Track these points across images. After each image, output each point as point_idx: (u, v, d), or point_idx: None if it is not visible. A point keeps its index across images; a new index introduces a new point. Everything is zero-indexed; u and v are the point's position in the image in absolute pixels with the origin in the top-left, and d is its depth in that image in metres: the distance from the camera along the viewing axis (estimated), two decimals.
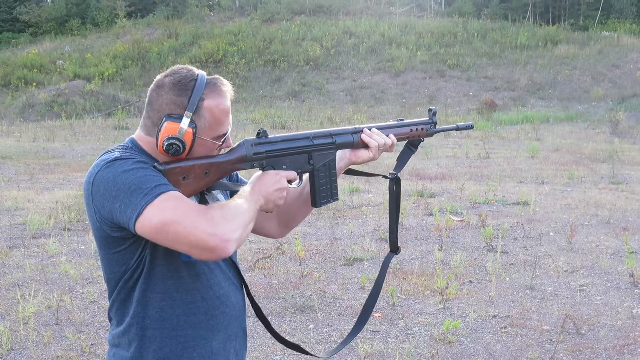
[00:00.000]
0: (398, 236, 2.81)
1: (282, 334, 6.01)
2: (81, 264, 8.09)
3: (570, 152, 18.13)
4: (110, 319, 2.36)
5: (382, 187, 12.58)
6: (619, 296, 6.97)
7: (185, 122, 2.14)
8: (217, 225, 2.04)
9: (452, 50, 38.40)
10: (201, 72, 2.23)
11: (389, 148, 2.66)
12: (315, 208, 2.61)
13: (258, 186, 2.30)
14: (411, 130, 2.76)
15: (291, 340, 5.87)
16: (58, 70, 36.74)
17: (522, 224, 9.75)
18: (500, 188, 12.62)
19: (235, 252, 2.52)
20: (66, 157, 17.76)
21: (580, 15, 54.99)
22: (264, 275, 7.71)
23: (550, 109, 29.86)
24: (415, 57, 37.47)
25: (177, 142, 2.14)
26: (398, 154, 2.84)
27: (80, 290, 7.24)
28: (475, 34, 40.86)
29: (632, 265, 7.28)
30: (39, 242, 9.11)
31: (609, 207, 10.97)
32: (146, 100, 2.26)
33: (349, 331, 6.06)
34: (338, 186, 2.59)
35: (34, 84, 33.74)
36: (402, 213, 9.87)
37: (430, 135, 2.83)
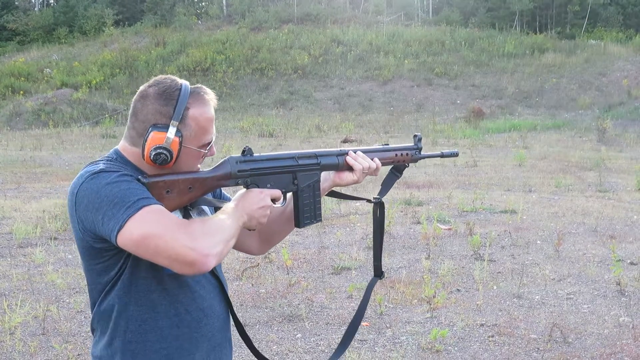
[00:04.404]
0: (384, 248, 2.81)
1: (269, 343, 6.02)
2: (68, 274, 8.05)
3: (557, 160, 18.20)
4: (93, 331, 2.35)
5: (369, 197, 12.57)
6: (605, 304, 6.99)
7: (171, 132, 2.15)
8: (198, 239, 2.04)
9: (439, 59, 38.55)
10: (185, 82, 2.25)
11: (373, 172, 2.67)
12: (297, 228, 2.62)
13: (242, 203, 2.30)
14: (396, 155, 2.77)
15: (279, 350, 5.87)
16: (45, 78, 36.68)
17: (509, 232, 9.77)
18: (488, 196, 12.65)
19: (220, 265, 2.52)
20: (53, 165, 17.70)
21: (567, 23, 55.32)
22: (252, 285, 7.69)
23: (538, 117, 29.97)
24: (403, 65, 37.58)
25: (165, 152, 2.15)
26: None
27: (67, 300, 7.20)
28: (463, 43, 41.04)
29: (619, 274, 7.29)
30: (26, 251, 9.06)
31: (595, 215, 11.00)
32: (130, 111, 2.26)
33: (336, 340, 6.07)
34: (322, 198, 2.60)
35: (21, 92, 33.66)
36: (389, 222, 9.89)
37: (415, 161, 2.84)
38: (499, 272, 8.11)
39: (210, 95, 2.29)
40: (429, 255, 8.66)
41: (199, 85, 2.30)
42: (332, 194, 2.76)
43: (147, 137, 2.15)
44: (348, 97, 34.31)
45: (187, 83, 2.25)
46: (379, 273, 2.84)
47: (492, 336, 6.19)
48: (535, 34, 46.97)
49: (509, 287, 7.54)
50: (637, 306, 6.89)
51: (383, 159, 2.72)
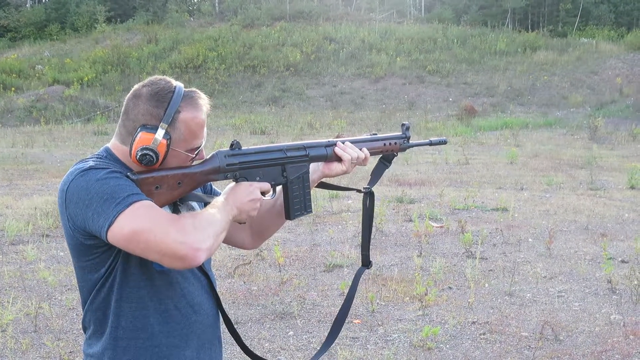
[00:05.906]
0: (373, 245, 2.82)
1: (261, 341, 6.02)
2: (60, 271, 8.04)
3: (549, 158, 18.22)
4: (84, 328, 2.36)
5: (361, 194, 12.57)
6: (597, 302, 7.01)
7: (159, 134, 2.15)
8: (188, 234, 2.04)
9: (431, 56, 38.53)
10: (179, 85, 2.24)
11: (362, 162, 2.68)
12: (288, 220, 2.62)
13: (231, 197, 2.31)
14: (384, 144, 2.78)
15: (271, 347, 5.88)
16: (37, 75, 36.53)
17: (501, 230, 9.79)
18: (480, 194, 12.67)
19: (210, 261, 2.52)
20: (45, 162, 17.66)
21: (559, 21, 55.42)
22: (244, 282, 7.70)
23: (530, 115, 29.99)
24: (395, 63, 37.57)
25: (151, 153, 2.15)
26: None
27: (59, 297, 7.20)
28: (455, 40, 41.03)
29: (610, 272, 7.32)
30: (18, 248, 9.05)
31: (587, 213, 11.03)
32: (122, 108, 2.27)
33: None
34: (314, 195, 2.60)
35: (13, 89, 33.49)
36: (381, 219, 9.90)
37: (404, 150, 2.84)
38: (491, 269, 8.13)
39: (204, 100, 2.29)
40: (420, 253, 8.67)
41: (194, 89, 2.30)
42: (322, 185, 2.77)
43: (136, 137, 2.16)
44: (340, 95, 34.29)
45: (182, 86, 2.25)
46: (366, 262, 2.83)
47: (484, 334, 6.20)
48: (527, 31, 47.01)
49: (501, 284, 7.56)
50: (628, 304, 6.92)
51: (372, 148, 2.73)
